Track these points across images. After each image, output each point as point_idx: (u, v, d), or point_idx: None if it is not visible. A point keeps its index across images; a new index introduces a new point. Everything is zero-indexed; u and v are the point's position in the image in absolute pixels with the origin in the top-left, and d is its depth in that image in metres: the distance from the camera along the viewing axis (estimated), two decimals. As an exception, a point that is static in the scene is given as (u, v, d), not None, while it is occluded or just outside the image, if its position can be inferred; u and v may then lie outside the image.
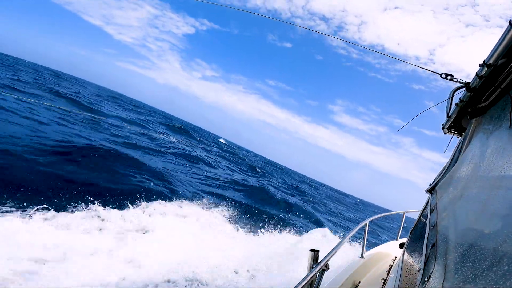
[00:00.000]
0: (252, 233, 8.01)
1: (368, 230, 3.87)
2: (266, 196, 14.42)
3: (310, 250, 1.84)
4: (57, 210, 5.29)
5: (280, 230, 8.94)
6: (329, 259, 1.86)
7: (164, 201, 7.67)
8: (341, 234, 10.04)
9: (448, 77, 1.78)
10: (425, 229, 1.44)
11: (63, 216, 5.17)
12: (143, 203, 6.98)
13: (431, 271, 0.97)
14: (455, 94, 1.77)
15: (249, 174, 22.96)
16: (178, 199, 8.40)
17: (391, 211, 6.31)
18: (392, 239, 5.49)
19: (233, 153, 37.16)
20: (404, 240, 4.44)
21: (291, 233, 8.83)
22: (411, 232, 2.26)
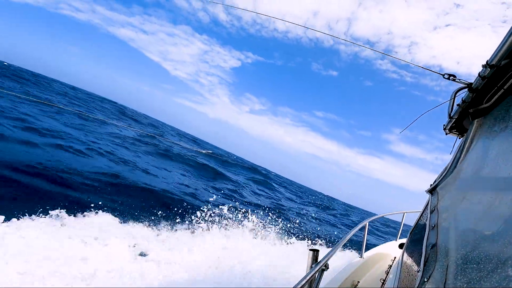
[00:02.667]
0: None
1: (367, 230, 3.87)
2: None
3: (310, 250, 1.84)
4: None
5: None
6: (329, 258, 1.85)
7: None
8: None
9: (451, 77, 1.78)
10: (425, 230, 1.43)
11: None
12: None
13: (431, 272, 0.97)
14: (457, 94, 1.77)
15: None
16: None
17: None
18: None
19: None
20: (404, 240, 4.44)
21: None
22: (411, 233, 2.26)
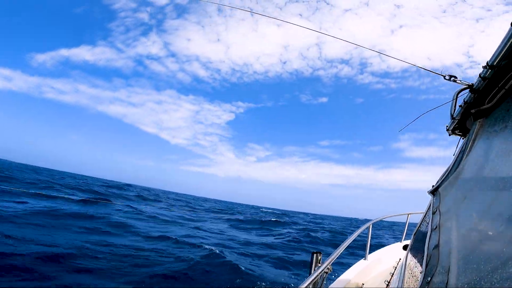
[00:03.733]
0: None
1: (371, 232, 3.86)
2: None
3: (313, 252, 1.84)
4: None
5: None
6: (332, 261, 1.86)
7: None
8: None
9: (452, 78, 1.77)
10: (428, 231, 1.43)
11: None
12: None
13: (433, 272, 0.97)
14: (459, 95, 1.77)
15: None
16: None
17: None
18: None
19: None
20: (408, 242, 4.42)
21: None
22: (414, 234, 2.25)
